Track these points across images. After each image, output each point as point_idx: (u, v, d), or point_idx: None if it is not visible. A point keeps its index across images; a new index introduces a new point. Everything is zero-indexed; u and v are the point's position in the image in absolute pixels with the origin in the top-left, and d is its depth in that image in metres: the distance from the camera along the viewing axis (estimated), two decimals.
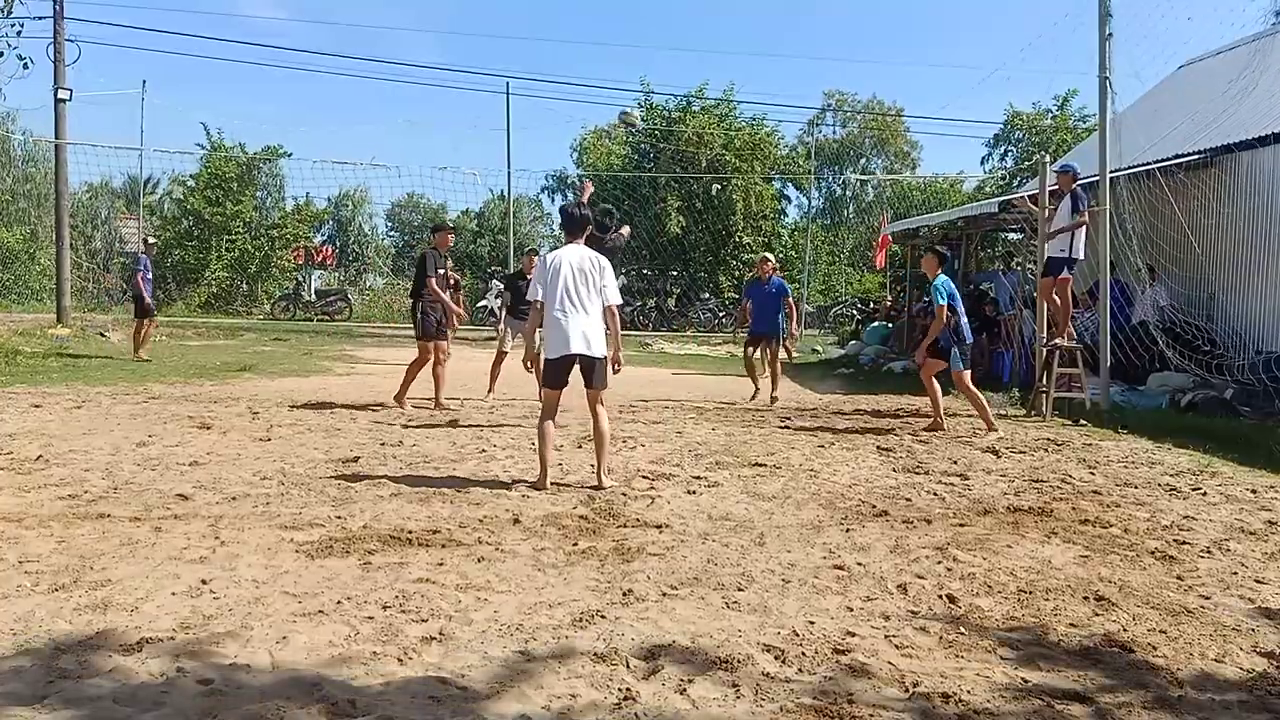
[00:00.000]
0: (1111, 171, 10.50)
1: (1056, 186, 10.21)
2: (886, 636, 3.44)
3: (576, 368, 5.93)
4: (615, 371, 6.11)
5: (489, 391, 10.35)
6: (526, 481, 5.92)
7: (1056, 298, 9.92)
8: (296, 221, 29.88)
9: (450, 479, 6.02)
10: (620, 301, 6.12)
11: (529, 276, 10.60)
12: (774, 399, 10.67)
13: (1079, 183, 9.86)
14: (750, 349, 11.16)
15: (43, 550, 4.19)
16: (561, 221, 6.39)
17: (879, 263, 20.53)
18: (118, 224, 31.95)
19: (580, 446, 7.32)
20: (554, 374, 5.98)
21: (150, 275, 14.23)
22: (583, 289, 5.91)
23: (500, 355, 10.46)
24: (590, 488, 5.80)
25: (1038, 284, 10.39)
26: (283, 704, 2.74)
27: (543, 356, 6.14)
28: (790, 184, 31.79)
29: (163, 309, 25.63)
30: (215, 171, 28.57)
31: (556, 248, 6.32)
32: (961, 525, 5.15)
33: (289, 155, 29.36)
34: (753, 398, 10.93)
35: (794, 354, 14.07)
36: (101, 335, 17.19)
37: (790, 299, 10.98)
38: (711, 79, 53.59)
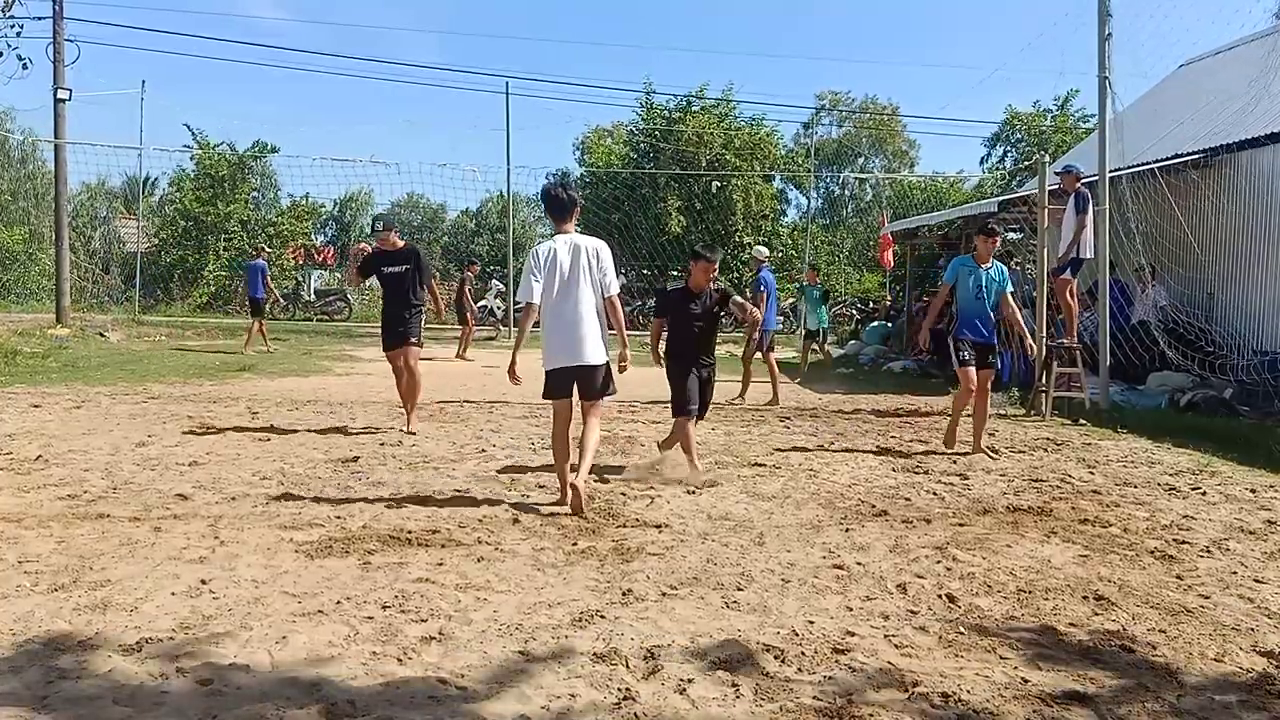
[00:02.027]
0: (1111, 171, 10.51)
1: (1058, 186, 10.22)
2: (886, 636, 3.44)
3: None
4: (621, 370, 5.52)
5: None
6: (529, 502, 5.36)
7: (1070, 299, 9.94)
8: (293, 219, 29.86)
9: (450, 479, 6.02)
10: (618, 290, 5.45)
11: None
12: (741, 399, 10.64)
13: (1082, 182, 9.87)
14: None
15: (42, 550, 4.19)
16: (546, 206, 5.49)
17: (887, 264, 20.50)
18: (116, 224, 31.95)
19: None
20: (555, 385, 5.38)
21: (264, 275, 16.55)
22: (581, 286, 5.26)
23: None
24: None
25: (1054, 282, 10.34)
26: (282, 704, 2.74)
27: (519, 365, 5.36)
28: (790, 183, 31.83)
29: (162, 309, 25.66)
30: (205, 170, 28.58)
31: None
32: (961, 525, 5.15)
33: (276, 151, 29.32)
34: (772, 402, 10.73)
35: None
36: (101, 335, 17.18)
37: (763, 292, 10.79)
38: (710, 79, 53.64)
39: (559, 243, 5.32)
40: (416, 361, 7.92)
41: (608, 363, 5.41)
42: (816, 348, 15.76)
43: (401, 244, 8.03)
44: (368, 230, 39.03)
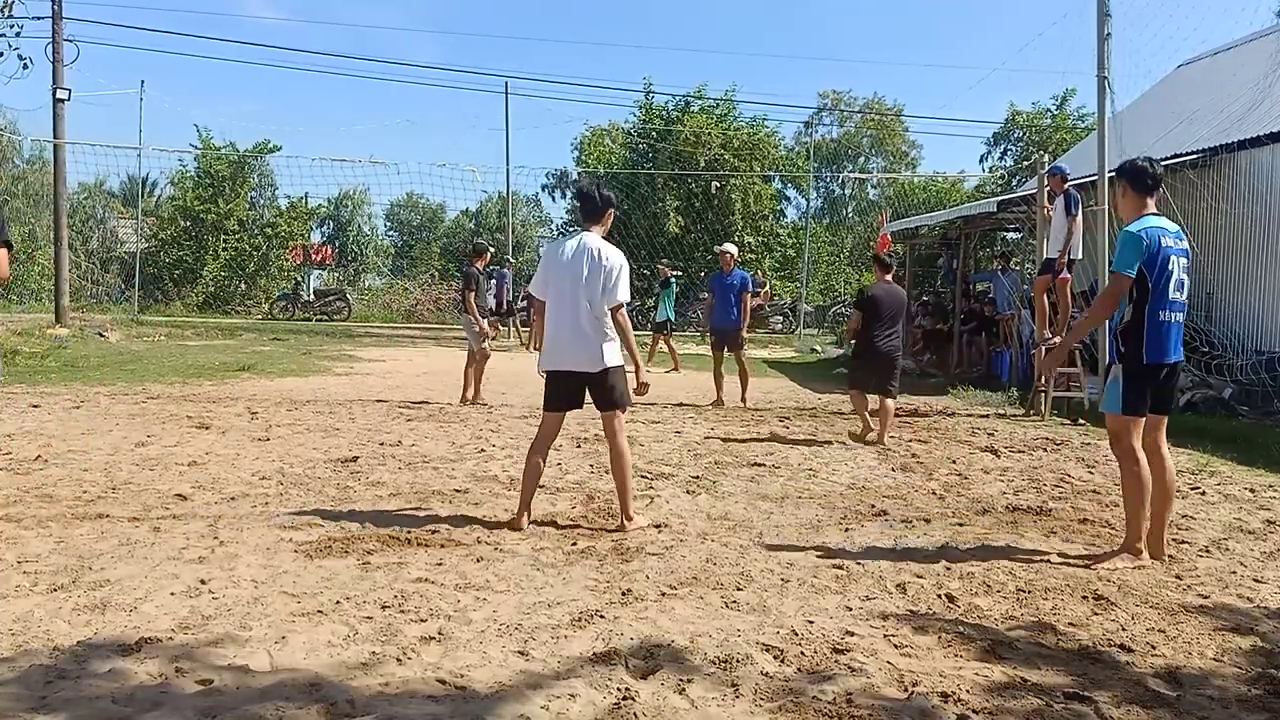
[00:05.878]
0: (1110, 171, 10.50)
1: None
2: (885, 636, 3.44)
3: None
4: (638, 392, 5.08)
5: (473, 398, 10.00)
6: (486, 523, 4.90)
7: (1057, 298, 9.94)
8: (291, 219, 29.86)
9: (450, 479, 6.01)
10: (624, 300, 4.88)
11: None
12: (744, 401, 10.33)
13: (1071, 183, 9.87)
14: (719, 351, 10.64)
15: (41, 550, 4.18)
16: (580, 205, 5.18)
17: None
18: (114, 224, 31.94)
19: (580, 446, 7.31)
20: (551, 391, 4.99)
21: (508, 283, 18.82)
22: (579, 285, 4.80)
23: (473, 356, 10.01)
24: (613, 530, 4.86)
25: (1033, 282, 10.38)
26: (281, 704, 2.74)
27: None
28: (789, 184, 31.83)
29: (160, 309, 25.64)
30: (206, 169, 28.59)
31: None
32: (961, 525, 5.15)
33: (278, 149, 29.29)
34: (717, 404, 10.34)
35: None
36: (100, 335, 17.16)
37: (749, 294, 10.64)
38: (710, 79, 53.82)
39: (570, 242, 4.97)
40: None
41: (618, 368, 4.90)
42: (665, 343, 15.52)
43: None
44: (365, 229, 39.03)
